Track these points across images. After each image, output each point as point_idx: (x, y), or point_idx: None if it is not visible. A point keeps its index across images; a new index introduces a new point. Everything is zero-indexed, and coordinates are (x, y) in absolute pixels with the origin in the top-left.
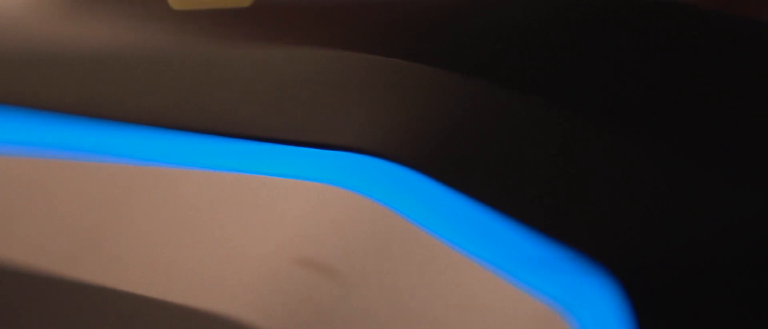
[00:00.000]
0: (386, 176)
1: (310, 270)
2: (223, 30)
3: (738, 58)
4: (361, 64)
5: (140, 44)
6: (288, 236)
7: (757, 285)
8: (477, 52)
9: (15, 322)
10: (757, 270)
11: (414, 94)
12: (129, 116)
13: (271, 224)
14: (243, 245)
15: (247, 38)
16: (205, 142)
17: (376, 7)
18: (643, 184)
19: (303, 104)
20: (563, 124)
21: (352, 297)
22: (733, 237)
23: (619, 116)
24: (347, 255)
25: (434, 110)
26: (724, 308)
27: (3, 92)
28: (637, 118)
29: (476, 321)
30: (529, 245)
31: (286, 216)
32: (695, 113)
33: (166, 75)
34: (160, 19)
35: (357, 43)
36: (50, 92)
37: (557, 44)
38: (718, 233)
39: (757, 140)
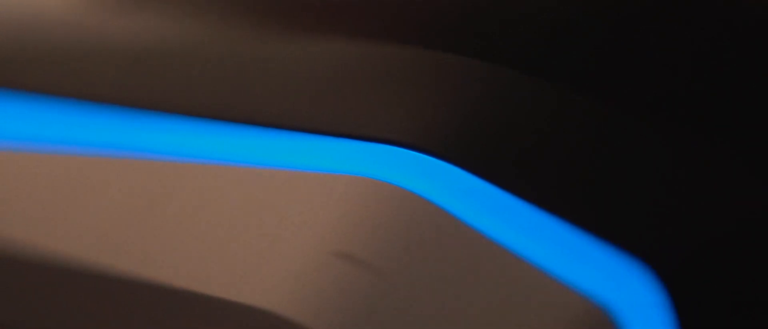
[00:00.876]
0: (427, 169)
1: (349, 264)
2: (263, 22)
3: None
4: (403, 55)
5: (183, 36)
6: (328, 229)
7: None
8: (522, 43)
9: (60, 313)
10: None
11: (456, 86)
12: (171, 108)
13: (311, 218)
14: (282, 239)
15: (288, 31)
16: (245, 136)
17: None
18: (687, 177)
19: (343, 95)
20: (606, 116)
21: (392, 291)
22: None
23: (664, 108)
24: (388, 248)
25: (476, 103)
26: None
27: (50, 85)
28: (679, 109)
29: (519, 316)
30: (572, 240)
31: (326, 210)
32: (742, 106)
33: (208, 67)
34: (205, 11)
35: (398, 34)
36: (95, 84)
37: (604, 36)
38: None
39: None
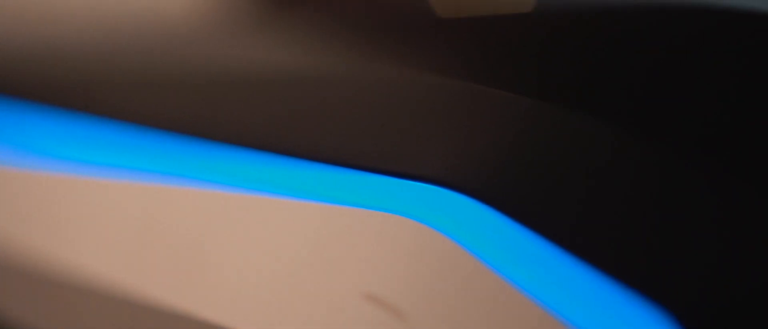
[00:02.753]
0: (462, 211)
1: (376, 308)
2: (320, 52)
3: None
4: (447, 90)
5: (237, 68)
6: (360, 270)
7: None
8: (568, 81)
9: None
10: None
11: (500, 124)
12: (229, 138)
13: (345, 257)
14: (314, 278)
15: (343, 61)
16: (288, 168)
17: (462, 30)
18: (716, 221)
19: (389, 129)
20: (658, 160)
21: None
22: None
23: (706, 149)
24: (415, 293)
25: (519, 143)
26: None
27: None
28: (723, 150)
29: None
30: (599, 292)
31: (360, 250)
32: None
33: (264, 96)
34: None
35: (441, 68)
36: (167, 110)
37: (651, 74)
38: None
39: None
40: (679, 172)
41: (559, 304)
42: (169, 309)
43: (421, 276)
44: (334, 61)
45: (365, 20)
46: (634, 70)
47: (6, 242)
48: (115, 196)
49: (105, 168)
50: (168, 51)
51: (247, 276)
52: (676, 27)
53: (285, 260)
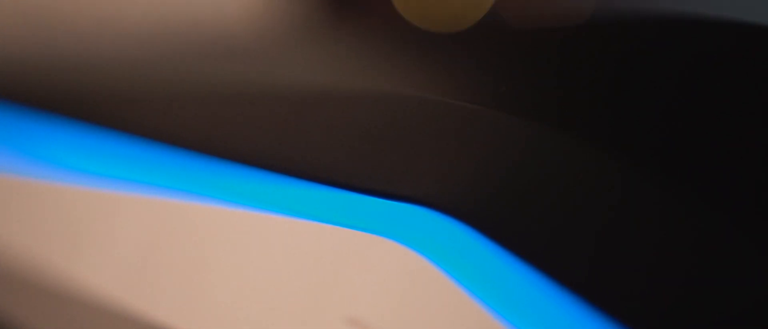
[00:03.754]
0: (448, 235)
1: None
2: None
3: None
4: (429, 109)
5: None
6: (344, 293)
7: None
8: (566, 104)
9: None
10: None
11: (484, 144)
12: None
13: (330, 279)
14: (298, 299)
15: (336, 78)
16: (275, 185)
17: (457, 52)
18: (702, 251)
19: (372, 148)
20: (653, 187)
21: None
22: None
23: (704, 182)
24: (391, 317)
25: (503, 163)
26: None
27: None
28: (716, 182)
29: None
30: (577, 322)
31: (345, 272)
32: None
33: (248, 114)
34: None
35: (437, 89)
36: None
37: (644, 100)
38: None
39: None
40: (669, 199)
41: None
42: (153, 320)
43: (398, 299)
44: (324, 79)
45: (357, 41)
46: (623, 90)
47: (7, 249)
48: (119, 209)
49: (114, 181)
50: (176, 70)
51: (228, 292)
52: (667, 43)
53: (266, 279)
